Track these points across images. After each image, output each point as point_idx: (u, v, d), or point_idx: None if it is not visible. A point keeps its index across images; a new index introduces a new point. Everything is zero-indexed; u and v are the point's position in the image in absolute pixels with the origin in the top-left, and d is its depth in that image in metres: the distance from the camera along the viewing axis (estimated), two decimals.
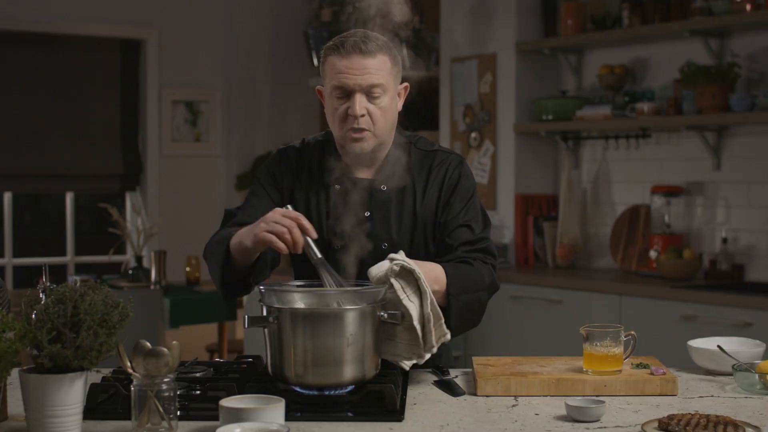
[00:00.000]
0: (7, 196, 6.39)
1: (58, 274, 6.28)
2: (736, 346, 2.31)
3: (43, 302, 1.70)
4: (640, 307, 4.49)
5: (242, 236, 2.14)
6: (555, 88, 5.54)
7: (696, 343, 2.33)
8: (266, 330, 1.98)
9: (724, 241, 4.75)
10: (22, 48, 6.26)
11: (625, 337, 2.18)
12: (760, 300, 4.09)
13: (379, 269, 2.03)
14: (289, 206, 2.13)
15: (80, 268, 6.54)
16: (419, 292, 2.02)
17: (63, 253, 6.61)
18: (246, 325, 1.97)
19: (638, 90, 5.11)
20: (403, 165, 2.33)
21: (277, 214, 2.06)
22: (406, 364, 2.07)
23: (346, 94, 2.24)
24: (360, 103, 2.22)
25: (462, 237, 2.30)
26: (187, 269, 5.79)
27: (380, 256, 2.13)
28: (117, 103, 6.61)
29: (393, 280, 2.00)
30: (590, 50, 5.42)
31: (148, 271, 5.49)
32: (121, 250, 6.56)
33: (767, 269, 4.68)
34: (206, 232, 7.69)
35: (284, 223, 2.03)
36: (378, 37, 2.27)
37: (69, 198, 6.61)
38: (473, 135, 5.61)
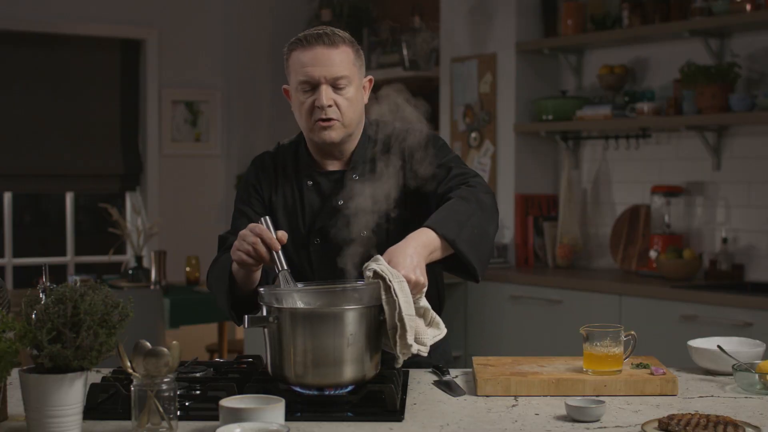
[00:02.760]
0: (7, 196, 6.39)
1: (58, 274, 6.28)
2: (736, 346, 2.31)
3: (43, 302, 1.70)
4: (640, 307, 4.49)
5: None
6: (555, 88, 5.54)
7: (696, 343, 2.33)
8: (266, 330, 1.98)
9: (724, 241, 4.75)
10: (22, 48, 6.26)
11: (625, 337, 2.18)
12: (760, 300, 4.09)
13: (366, 268, 2.02)
14: (266, 218, 2.14)
15: (80, 268, 6.55)
16: (390, 301, 1.98)
17: (63, 253, 6.61)
18: (246, 325, 1.97)
19: (638, 90, 5.11)
20: (370, 153, 2.36)
21: (246, 230, 2.12)
22: (398, 361, 2.05)
23: (312, 87, 2.26)
24: (326, 93, 2.25)
25: (438, 179, 2.29)
26: (187, 269, 5.79)
27: (362, 244, 2.17)
28: (117, 103, 6.61)
29: (376, 280, 1.99)
30: (590, 50, 5.42)
31: (148, 271, 5.49)
32: (121, 250, 6.56)
33: (767, 269, 4.68)
34: (206, 232, 7.70)
35: (249, 240, 2.09)
36: (340, 31, 2.30)
37: (69, 198, 6.61)
38: (473, 135, 5.61)
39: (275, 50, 6.95)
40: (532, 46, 5.38)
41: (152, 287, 5.33)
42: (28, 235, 6.66)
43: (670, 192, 4.96)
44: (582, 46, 5.38)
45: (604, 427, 1.81)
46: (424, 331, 2.08)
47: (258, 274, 2.20)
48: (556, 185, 5.55)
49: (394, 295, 1.96)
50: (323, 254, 2.30)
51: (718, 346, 2.26)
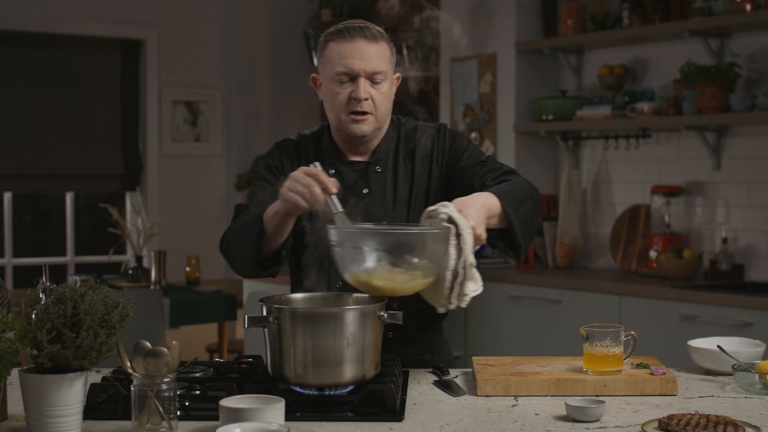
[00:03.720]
0: (7, 196, 6.39)
1: (58, 274, 6.28)
2: (736, 346, 2.31)
3: (43, 302, 1.70)
4: (640, 307, 4.49)
5: (275, 205, 2.16)
6: (555, 88, 5.54)
7: (696, 343, 2.33)
8: (266, 330, 1.98)
9: (724, 241, 4.75)
10: (22, 48, 6.26)
11: (625, 337, 2.18)
12: (760, 300, 4.09)
13: (435, 210, 2.05)
14: (316, 164, 2.16)
15: (80, 268, 6.55)
16: (459, 248, 2.02)
17: (63, 253, 6.61)
18: (246, 325, 1.97)
19: (638, 90, 5.11)
20: (393, 147, 2.41)
21: (299, 172, 2.09)
22: (439, 309, 2.08)
23: (350, 79, 2.29)
24: (364, 87, 2.28)
25: (481, 170, 2.35)
26: (187, 269, 5.79)
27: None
28: (117, 103, 6.61)
29: (446, 224, 2.02)
30: (590, 50, 5.42)
31: (148, 271, 5.49)
32: (121, 250, 6.56)
33: (767, 269, 4.68)
34: (206, 232, 7.68)
35: (304, 182, 2.07)
36: (377, 26, 2.36)
37: (69, 198, 6.61)
38: (473, 135, 5.61)
39: (275, 50, 6.95)
40: (532, 46, 5.38)
41: (152, 287, 5.33)
42: (28, 235, 6.66)
43: (670, 192, 4.96)
44: (582, 46, 5.38)
45: (604, 427, 1.81)
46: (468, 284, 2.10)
47: (290, 226, 2.18)
48: (556, 185, 5.55)
49: (462, 242, 2.00)
50: None
51: (718, 346, 2.26)
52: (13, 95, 6.25)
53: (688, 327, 4.23)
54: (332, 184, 2.08)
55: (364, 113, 2.30)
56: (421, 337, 2.43)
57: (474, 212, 2.06)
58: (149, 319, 4.71)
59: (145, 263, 5.72)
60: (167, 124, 6.72)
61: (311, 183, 2.06)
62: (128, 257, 6.57)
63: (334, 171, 2.37)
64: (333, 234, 2.05)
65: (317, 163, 2.16)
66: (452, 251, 2.01)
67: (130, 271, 5.53)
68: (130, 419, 1.77)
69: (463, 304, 2.07)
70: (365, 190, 2.35)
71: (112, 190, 6.68)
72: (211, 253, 6.77)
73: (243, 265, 2.27)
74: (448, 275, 2.02)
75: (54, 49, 6.36)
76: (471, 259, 2.03)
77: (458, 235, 2.01)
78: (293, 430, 1.79)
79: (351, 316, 1.94)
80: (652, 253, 4.89)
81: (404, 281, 2.02)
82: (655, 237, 4.94)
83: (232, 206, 6.88)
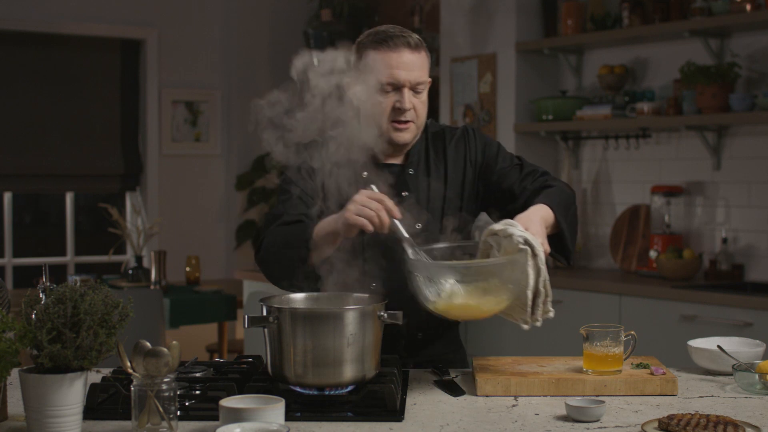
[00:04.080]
0: (7, 196, 6.39)
1: (58, 274, 6.28)
2: (736, 346, 2.31)
3: (43, 302, 1.70)
4: (640, 307, 4.49)
5: (329, 225, 2.18)
6: (555, 88, 5.54)
7: (696, 343, 2.33)
8: (266, 330, 1.98)
9: (724, 241, 4.75)
10: (22, 48, 6.26)
11: (625, 337, 2.18)
12: (760, 300, 4.09)
13: (504, 231, 2.09)
14: (373, 186, 2.18)
15: (80, 268, 6.55)
16: (536, 267, 2.08)
17: (63, 253, 6.61)
18: (246, 325, 1.97)
19: (638, 90, 5.11)
20: (423, 149, 2.45)
21: (363, 196, 2.12)
22: (524, 327, 2.13)
23: (395, 89, 2.32)
24: (409, 98, 2.32)
25: (520, 174, 2.40)
26: (187, 269, 5.79)
27: (414, 237, 2.20)
28: (117, 103, 6.61)
29: (523, 246, 2.06)
30: (590, 50, 5.42)
31: (148, 271, 5.49)
32: (121, 250, 6.56)
33: (767, 269, 4.68)
34: (206, 232, 7.66)
35: (371, 207, 2.10)
36: (414, 33, 2.37)
37: (69, 198, 6.61)
38: None
39: (275, 50, 6.95)
40: (532, 46, 5.38)
41: (152, 287, 5.33)
42: (28, 235, 6.66)
43: (670, 192, 4.96)
44: (582, 46, 5.38)
45: (604, 427, 1.81)
46: None
47: (335, 246, 2.21)
48: None
49: (539, 261, 2.07)
50: (374, 242, 2.31)
51: (718, 346, 2.26)
52: (13, 95, 6.25)
53: (688, 327, 4.23)
54: (398, 209, 2.13)
55: (407, 121, 2.34)
56: (446, 336, 2.47)
57: (539, 228, 2.14)
58: (149, 319, 4.71)
59: (145, 263, 5.72)
60: (167, 124, 6.72)
61: (379, 208, 2.10)
62: (128, 257, 6.57)
63: (366, 173, 2.37)
64: (415, 265, 2.08)
65: (373, 186, 2.18)
66: (531, 271, 2.06)
67: (130, 271, 5.53)
68: (130, 419, 1.77)
69: (538, 323, 2.14)
70: (404, 193, 2.38)
71: (112, 190, 6.68)
72: (211, 253, 6.78)
73: (281, 281, 2.28)
74: (529, 294, 2.08)
75: (54, 49, 6.36)
76: (547, 276, 2.11)
77: (534, 255, 2.07)
78: (293, 430, 1.79)
79: (351, 316, 1.94)
80: (652, 253, 4.89)
81: (491, 307, 2.07)
82: (655, 237, 4.94)
83: (232, 206, 6.91)
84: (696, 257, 4.73)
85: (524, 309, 2.09)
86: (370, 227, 2.09)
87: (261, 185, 6.75)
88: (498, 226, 2.11)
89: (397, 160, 2.44)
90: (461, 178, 2.43)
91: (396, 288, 2.16)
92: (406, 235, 2.13)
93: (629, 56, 5.23)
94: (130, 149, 6.66)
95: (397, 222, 2.13)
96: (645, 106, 4.89)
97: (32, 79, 6.30)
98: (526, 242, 2.06)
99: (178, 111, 6.77)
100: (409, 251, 2.11)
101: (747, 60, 4.73)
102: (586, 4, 5.28)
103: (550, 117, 5.26)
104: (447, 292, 2.06)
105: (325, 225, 2.18)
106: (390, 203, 2.12)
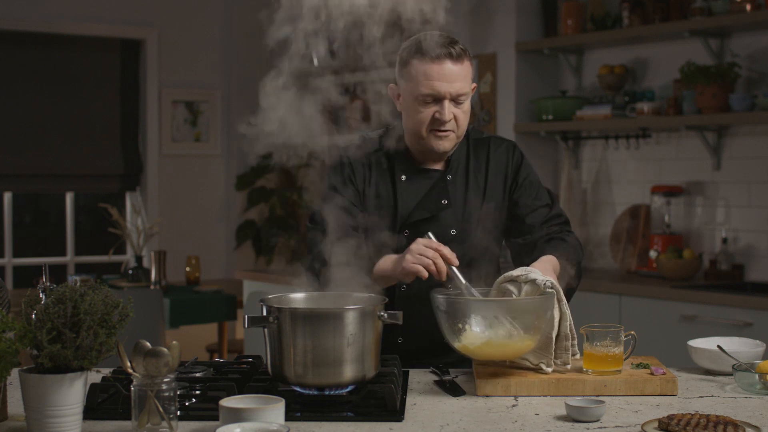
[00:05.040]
0: (7, 196, 6.39)
1: (58, 274, 6.28)
2: (736, 346, 2.31)
3: (43, 302, 1.70)
4: (640, 307, 4.49)
5: (387, 269, 2.25)
6: (555, 88, 5.54)
7: (696, 343, 2.33)
8: (266, 330, 1.98)
9: (724, 241, 4.75)
10: (22, 48, 6.26)
11: (625, 337, 2.18)
12: (760, 300, 4.09)
13: (525, 276, 2.13)
14: (430, 234, 2.22)
15: (80, 268, 6.55)
16: (561, 311, 2.14)
17: (63, 253, 6.61)
18: (246, 325, 1.97)
19: (638, 90, 5.11)
20: (464, 155, 2.45)
21: (420, 245, 2.17)
22: (544, 370, 2.14)
23: (435, 100, 2.32)
24: (449, 109, 2.32)
25: (542, 216, 2.44)
26: (187, 269, 5.79)
27: (448, 243, 2.23)
28: (117, 103, 6.61)
29: (549, 290, 2.11)
30: (590, 50, 5.42)
31: (148, 271, 5.49)
32: (121, 250, 6.56)
33: (767, 269, 4.68)
34: (206, 232, 7.65)
35: (428, 255, 2.16)
36: (459, 41, 2.36)
37: (69, 198, 6.61)
38: None
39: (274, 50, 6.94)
40: (532, 46, 5.38)
41: (152, 287, 5.33)
42: (28, 235, 6.66)
43: (670, 192, 4.96)
44: (582, 46, 5.38)
45: (604, 427, 1.81)
46: None
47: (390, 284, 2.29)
48: (556, 185, 5.55)
49: (564, 307, 2.14)
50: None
51: (718, 346, 2.26)
52: (13, 95, 6.24)
53: (688, 327, 4.23)
54: (454, 257, 2.17)
55: (447, 130, 2.34)
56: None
57: (553, 276, 2.20)
58: (149, 319, 4.71)
59: (145, 263, 5.72)
60: (167, 124, 6.72)
61: (436, 256, 2.15)
62: (128, 257, 6.57)
63: (405, 177, 2.41)
64: (474, 307, 2.09)
65: (430, 233, 2.22)
66: (556, 315, 2.12)
67: (130, 271, 5.53)
68: (130, 419, 1.77)
69: (568, 366, 2.16)
70: (444, 201, 2.39)
71: (112, 190, 6.68)
72: (211, 253, 6.78)
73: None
74: (554, 336, 2.12)
75: (54, 49, 6.35)
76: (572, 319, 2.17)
77: (559, 299, 2.13)
78: (293, 430, 1.79)
79: (351, 316, 1.94)
80: (652, 253, 4.89)
81: (525, 345, 2.07)
82: (655, 237, 4.94)
83: (232, 206, 6.90)
84: (696, 257, 4.73)
85: (548, 350, 2.13)
86: (425, 274, 2.15)
87: (261, 185, 6.74)
88: (517, 272, 2.15)
89: (438, 166, 2.45)
90: (502, 190, 2.45)
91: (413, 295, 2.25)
92: (463, 281, 2.17)
93: (629, 56, 5.23)
94: (130, 149, 6.66)
95: (454, 269, 2.17)
96: (645, 106, 4.89)
97: (32, 79, 6.30)
98: (552, 286, 2.11)
99: (178, 111, 6.77)
100: (467, 295, 2.16)
101: (747, 60, 4.73)
102: (586, 4, 5.28)
103: (550, 117, 5.26)
104: (493, 332, 2.05)
105: (383, 268, 2.26)
106: (447, 251, 2.16)
